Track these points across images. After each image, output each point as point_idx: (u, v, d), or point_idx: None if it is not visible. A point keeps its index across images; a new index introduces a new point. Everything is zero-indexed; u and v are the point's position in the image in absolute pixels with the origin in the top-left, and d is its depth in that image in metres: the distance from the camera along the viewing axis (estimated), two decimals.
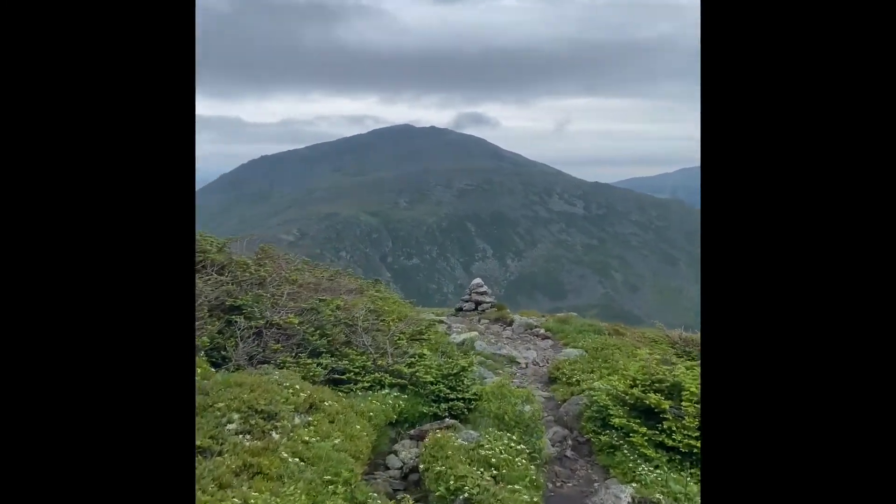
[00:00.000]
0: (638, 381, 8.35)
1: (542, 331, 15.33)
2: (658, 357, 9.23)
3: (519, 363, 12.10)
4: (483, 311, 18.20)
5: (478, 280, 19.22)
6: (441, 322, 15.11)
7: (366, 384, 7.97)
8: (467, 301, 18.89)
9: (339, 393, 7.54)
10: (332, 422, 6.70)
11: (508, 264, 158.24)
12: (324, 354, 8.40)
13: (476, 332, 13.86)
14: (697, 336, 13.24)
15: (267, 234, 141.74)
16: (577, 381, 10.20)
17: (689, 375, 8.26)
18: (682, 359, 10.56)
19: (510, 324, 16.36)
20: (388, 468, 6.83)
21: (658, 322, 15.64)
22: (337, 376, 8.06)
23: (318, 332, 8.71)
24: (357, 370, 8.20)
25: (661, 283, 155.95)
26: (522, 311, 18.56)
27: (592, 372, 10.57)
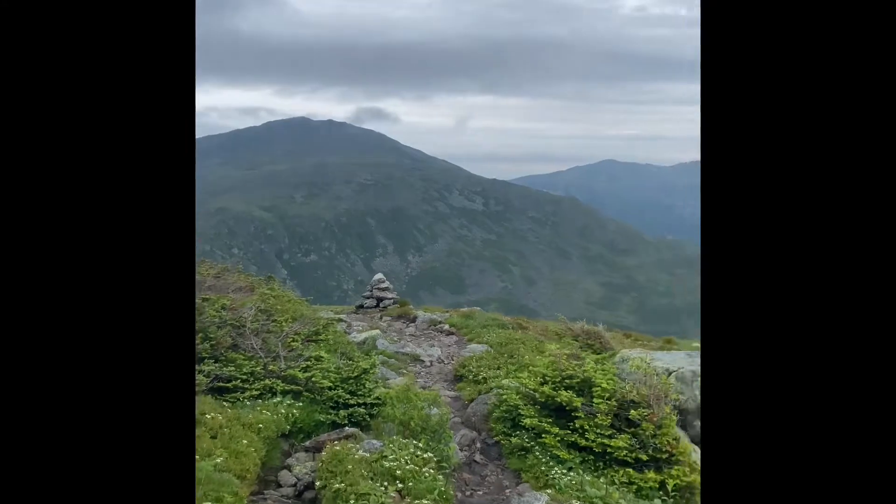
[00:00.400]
0: (548, 378, 7.99)
1: (447, 326, 14.96)
2: (567, 352, 8.90)
3: (423, 361, 11.60)
4: (385, 307, 17.56)
5: (379, 276, 18.45)
6: (340, 321, 14.43)
7: (255, 392, 7.15)
8: (369, 298, 18.16)
9: (224, 403, 6.70)
10: (214, 437, 5.89)
11: (409, 260, 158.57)
12: (206, 360, 7.47)
13: (378, 330, 13.16)
14: (600, 329, 13.17)
15: None
16: (484, 378, 9.75)
17: (598, 370, 7.99)
18: (586, 352, 10.36)
19: (413, 320, 15.86)
20: (280, 486, 6.08)
21: (559, 314, 15.47)
22: (221, 384, 7.19)
23: (199, 335, 7.75)
24: (245, 377, 7.35)
25: (556, 276, 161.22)
26: (426, 307, 18.10)
27: (499, 368, 10.14)
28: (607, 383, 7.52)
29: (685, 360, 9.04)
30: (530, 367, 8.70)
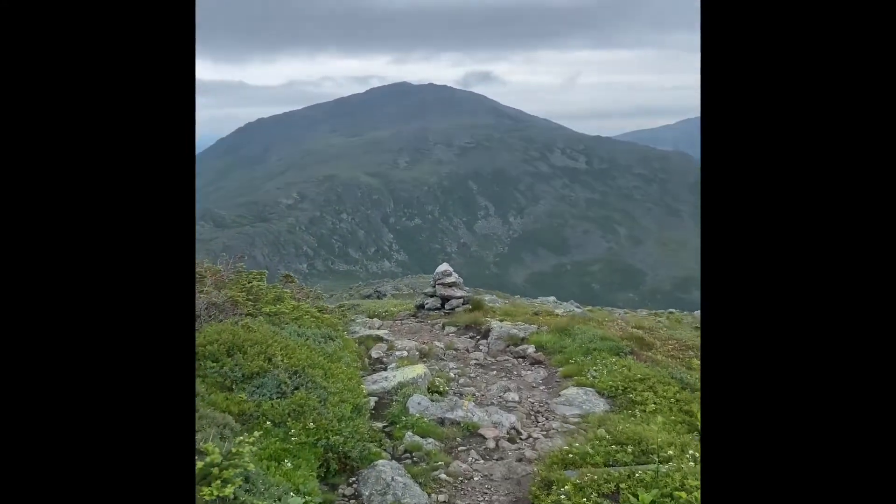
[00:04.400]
0: None
1: (532, 349, 10.08)
2: None
3: (484, 438, 6.51)
4: (453, 309, 13.43)
5: (444, 267, 14.30)
6: (379, 340, 10.38)
7: None
8: (432, 296, 14.04)
9: None
10: None
11: (511, 222, 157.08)
12: None
13: (422, 367, 8.44)
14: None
15: (267, 198, 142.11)
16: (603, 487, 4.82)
17: None
18: None
19: (486, 334, 11.32)
20: None
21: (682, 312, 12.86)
22: None
23: None
24: None
25: (665, 235, 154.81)
26: (505, 311, 13.21)
27: (627, 463, 5.34)
28: None
29: None
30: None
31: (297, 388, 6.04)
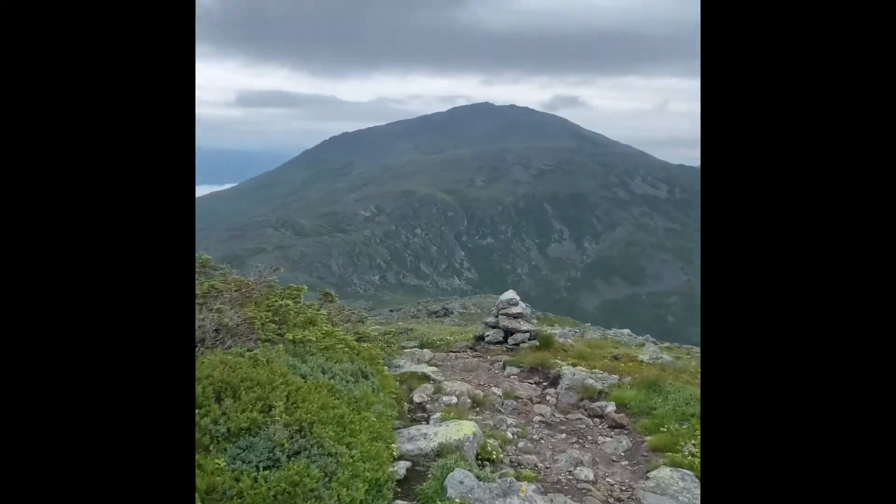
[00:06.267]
0: None
1: (612, 408, 8.05)
2: None
3: None
4: (517, 344, 11.64)
5: (510, 294, 12.41)
6: (425, 378, 8.81)
7: None
8: (494, 327, 12.21)
9: None
10: None
11: (586, 247, 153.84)
12: None
13: (472, 425, 6.39)
14: None
15: (346, 210, 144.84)
16: None
17: None
18: None
19: (555, 382, 9.40)
20: None
21: None
22: None
23: None
24: None
25: None
26: (578, 355, 11.14)
27: None
28: None
29: None
30: None
31: (296, 454, 4.50)
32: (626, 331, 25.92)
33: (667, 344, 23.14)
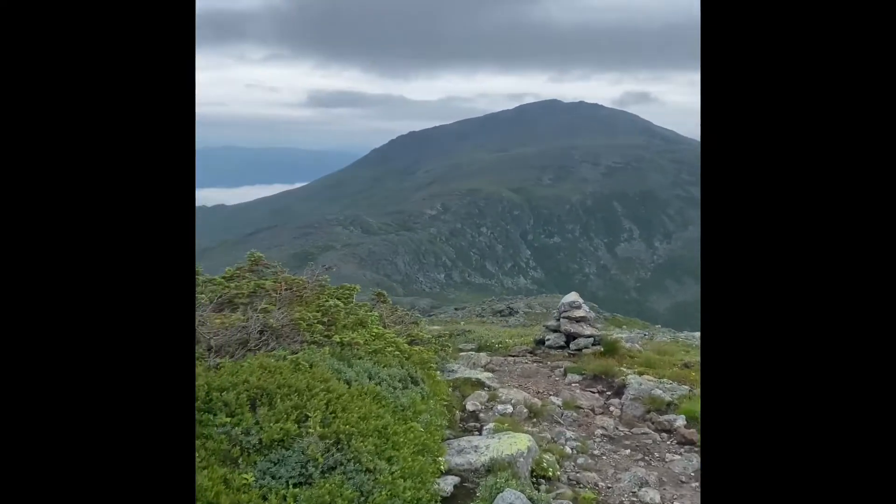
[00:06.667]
0: None
1: (681, 422, 7.36)
2: None
3: None
4: (579, 350, 10.95)
5: (572, 297, 11.64)
6: (480, 384, 8.29)
7: None
8: (555, 331, 11.51)
9: None
10: None
11: (656, 246, 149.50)
12: None
13: (528, 438, 5.97)
14: None
15: (412, 208, 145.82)
16: None
17: None
18: None
19: (619, 392, 8.74)
20: None
21: None
22: None
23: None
24: None
25: None
26: (649, 359, 10.37)
27: None
28: None
29: None
30: None
31: (331, 470, 4.16)
32: (698, 334, 24.76)
33: None
